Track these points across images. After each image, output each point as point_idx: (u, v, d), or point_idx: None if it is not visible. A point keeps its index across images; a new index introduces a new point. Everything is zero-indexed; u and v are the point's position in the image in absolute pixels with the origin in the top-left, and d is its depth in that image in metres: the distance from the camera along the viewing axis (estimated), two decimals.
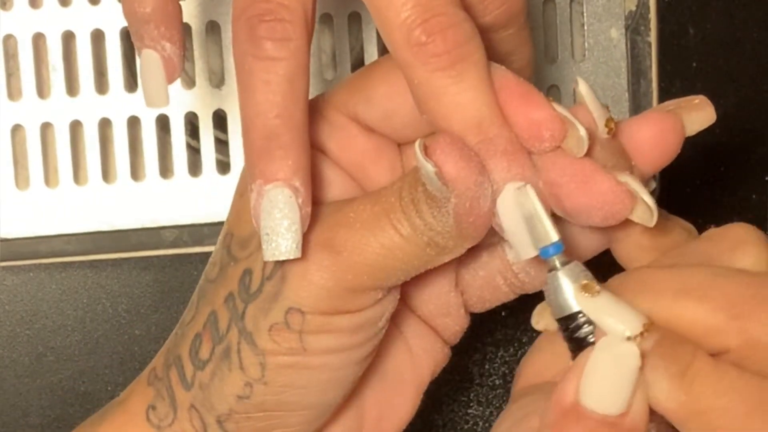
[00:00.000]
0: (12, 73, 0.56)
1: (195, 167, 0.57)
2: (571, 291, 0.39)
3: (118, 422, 0.46)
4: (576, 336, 0.40)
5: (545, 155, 0.40)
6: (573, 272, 0.40)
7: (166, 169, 0.57)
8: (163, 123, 0.57)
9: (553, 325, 0.41)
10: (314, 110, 0.44)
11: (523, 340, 0.60)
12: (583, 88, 0.41)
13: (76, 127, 0.56)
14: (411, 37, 0.39)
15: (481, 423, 0.60)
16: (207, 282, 0.45)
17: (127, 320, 0.59)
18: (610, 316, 0.39)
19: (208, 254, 0.55)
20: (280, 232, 0.40)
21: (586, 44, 0.57)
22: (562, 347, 0.44)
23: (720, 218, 0.59)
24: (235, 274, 0.43)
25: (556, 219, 0.40)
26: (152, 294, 0.59)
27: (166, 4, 0.42)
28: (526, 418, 0.43)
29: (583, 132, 0.40)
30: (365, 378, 0.46)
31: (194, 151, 0.57)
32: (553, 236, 0.40)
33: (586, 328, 0.39)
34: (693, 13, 0.59)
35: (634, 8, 0.57)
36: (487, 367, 0.60)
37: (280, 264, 0.42)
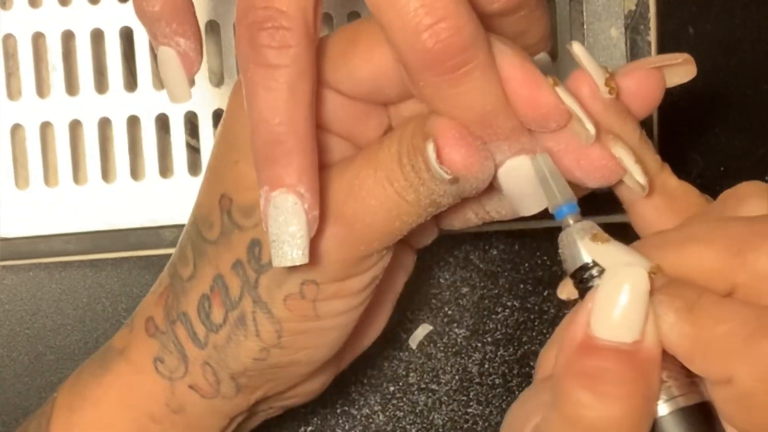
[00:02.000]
0: (12, 73, 0.56)
1: (195, 166, 0.57)
2: (582, 244, 0.41)
3: (124, 373, 0.47)
4: (589, 286, 0.40)
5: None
6: (584, 228, 0.41)
7: (165, 169, 0.57)
8: (162, 122, 0.57)
9: (575, 293, 0.42)
10: None
11: (523, 340, 0.60)
12: (577, 49, 0.43)
13: (75, 126, 0.56)
14: (417, 43, 0.39)
15: (480, 422, 0.60)
16: (205, 242, 0.46)
17: (126, 319, 0.58)
18: (619, 259, 0.39)
19: None
20: (286, 239, 0.41)
21: (585, 43, 0.57)
22: None
23: None
24: (241, 242, 0.45)
25: None
26: None
27: (175, 0, 0.43)
28: (537, 395, 0.43)
29: (590, 126, 0.41)
30: None
31: (194, 151, 0.57)
32: (568, 197, 0.41)
33: (598, 279, 0.40)
34: (692, 12, 0.59)
35: (633, 7, 0.57)
36: (486, 366, 0.60)
37: None
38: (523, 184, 0.42)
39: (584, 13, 0.57)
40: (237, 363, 0.45)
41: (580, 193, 0.44)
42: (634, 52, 0.57)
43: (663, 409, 0.39)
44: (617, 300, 0.38)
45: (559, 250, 0.41)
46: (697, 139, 0.59)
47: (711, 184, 0.56)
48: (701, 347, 0.38)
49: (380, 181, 0.42)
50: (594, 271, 0.40)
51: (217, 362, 0.46)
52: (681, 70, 0.44)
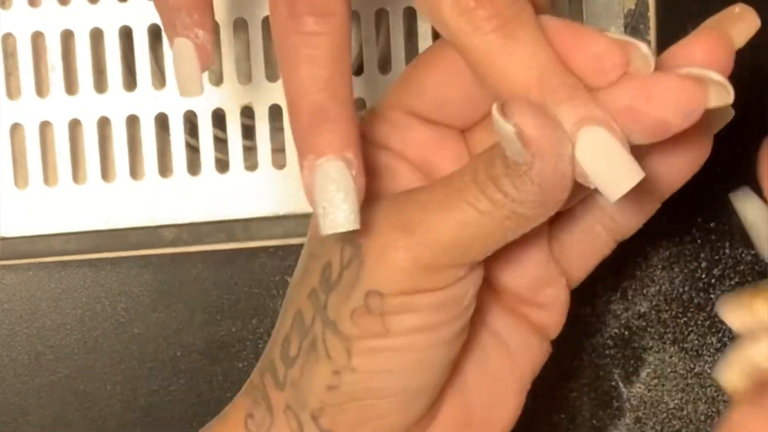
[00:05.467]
0: (11, 72, 0.56)
1: (194, 166, 0.57)
2: None
3: None
4: None
5: (603, 91, 0.40)
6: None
7: (165, 168, 0.57)
8: (162, 122, 0.57)
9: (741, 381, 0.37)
10: (371, 113, 0.45)
11: None
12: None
13: (75, 125, 0.56)
14: (459, 5, 0.39)
15: None
16: (291, 286, 0.45)
17: (126, 319, 0.59)
18: None
19: (207, 253, 0.55)
20: (336, 203, 0.40)
21: None
22: None
23: (720, 218, 0.59)
24: (316, 269, 0.44)
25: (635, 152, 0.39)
26: (151, 293, 0.59)
27: None
28: None
29: (645, 49, 0.39)
30: (466, 377, 0.46)
31: (193, 150, 0.57)
32: None
33: None
34: (692, 11, 0.59)
35: (633, 7, 0.57)
36: None
37: (357, 251, 0.42)
38: (605, 156, 0.39)
39: (584, 12, 0.57)
40: (313, 396, 0.43)
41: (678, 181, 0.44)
42: None
43: None
44: None
45: (751, 235, 0.39)
46: None
47: (711, 185, 0.56)
48: None
49: (450, 193, 0.41)
50: None
51: (296, 401, 0.44)
52: (744, 26, 0.42)
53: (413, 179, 0.45)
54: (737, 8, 0.42)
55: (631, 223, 0.46)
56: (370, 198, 0.42)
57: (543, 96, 0.39)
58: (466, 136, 0.46)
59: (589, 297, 0.59)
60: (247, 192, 0.57)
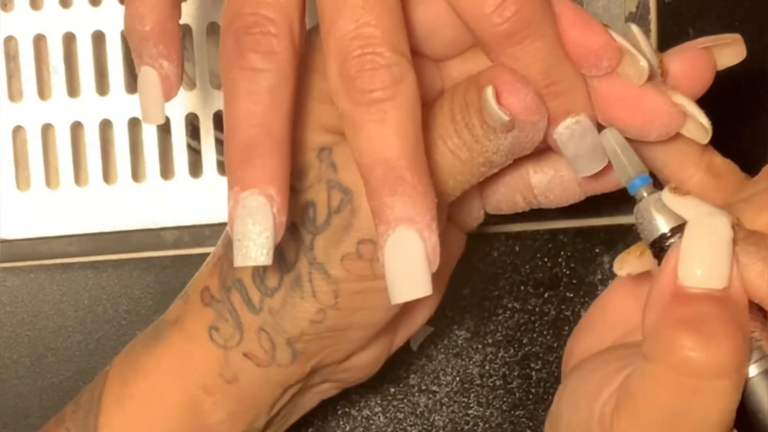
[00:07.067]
0: (13, 75, 0.56)
1: (195, 168, 0.57)
2: (660, 215, 0.41)
3: (177, 343, 0.48)
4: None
5: (601, 78, 0.43)
6: (659, 199, 0.41)
7: (166, 170, 0.57)
8: (163, 124, 0.57)
9: (637, 268, 0.42)
10: None
11: (524, 342, 0.60)
12: (636, 30, 0.44)
13: (76, 128, 0.56)
14: (343, 68, 0.40)
15: (481, 424, 0.60)
16: None
17: (127, 321, 0.59)
18: (701, 210, 0.40)
19: (208, 255, 0.55)
20: (251, 237, 0.41)
21: None
22: (616, 316, 0.46)
23: None
24: (294, 205, 0.45)
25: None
26: (153, 295, 0.59)
27: (165, 22, 0.43)
28: (592, 374, 0.44)
29: (644, 62, 0.42)
30: None
31: (195, 152, 0.57)
32: (640, 169, 0.42)
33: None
34: (693, 14, 0.59)
35: (634, 9, 0.57)
36: (487, 368, 0.60)
37: (348, 197, 0.44)
38: (407, 260, 0.41)
39: None
40: (293, 326, 0.46)
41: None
42: None
43: (752, 370, 0.39)
44: (704, 248, 0.39)
45: (636, 222, 0.42)
46: None
47: None
48: None
49: (433, 140, 0.43)
50: (673, 239, 0.40)
51: (273, 327, 0.46)
52: (730, 51, 0.45)
53: None
54: (730, 38, 0.45)
55: (549, 203, 0.49)
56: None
57: (384, 180, 0.40)
58: (441, 64, 0.46)
59: (590, 297, 0.59)
60: None
